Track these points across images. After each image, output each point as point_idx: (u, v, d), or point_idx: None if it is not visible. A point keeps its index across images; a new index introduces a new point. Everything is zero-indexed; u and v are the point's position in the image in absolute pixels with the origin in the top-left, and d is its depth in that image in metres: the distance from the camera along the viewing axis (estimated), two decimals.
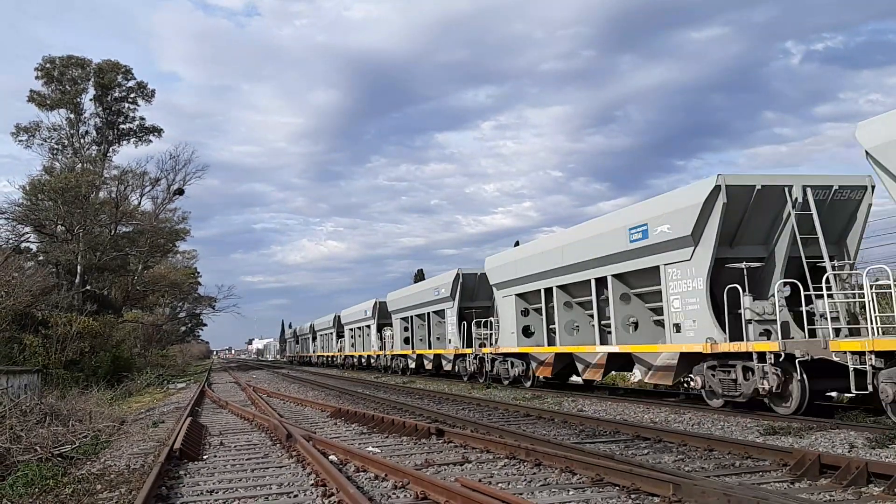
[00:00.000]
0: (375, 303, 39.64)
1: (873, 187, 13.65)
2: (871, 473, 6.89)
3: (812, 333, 12.52)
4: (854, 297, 12.84)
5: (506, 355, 22.53)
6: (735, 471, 7.75)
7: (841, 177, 13.69)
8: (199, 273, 73.86)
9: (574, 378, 21.16)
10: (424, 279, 55.16)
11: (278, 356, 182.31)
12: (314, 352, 64.81)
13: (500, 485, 7.29)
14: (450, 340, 28.09)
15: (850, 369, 11.03)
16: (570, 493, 6.90)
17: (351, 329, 47.24)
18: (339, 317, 51.65)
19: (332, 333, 54.57)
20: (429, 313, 30.86)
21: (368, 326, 41.99)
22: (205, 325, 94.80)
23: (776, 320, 12.95)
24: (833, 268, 12.83)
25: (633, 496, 6.61)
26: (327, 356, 58.07)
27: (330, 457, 9.07)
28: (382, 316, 38.23)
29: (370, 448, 10.21)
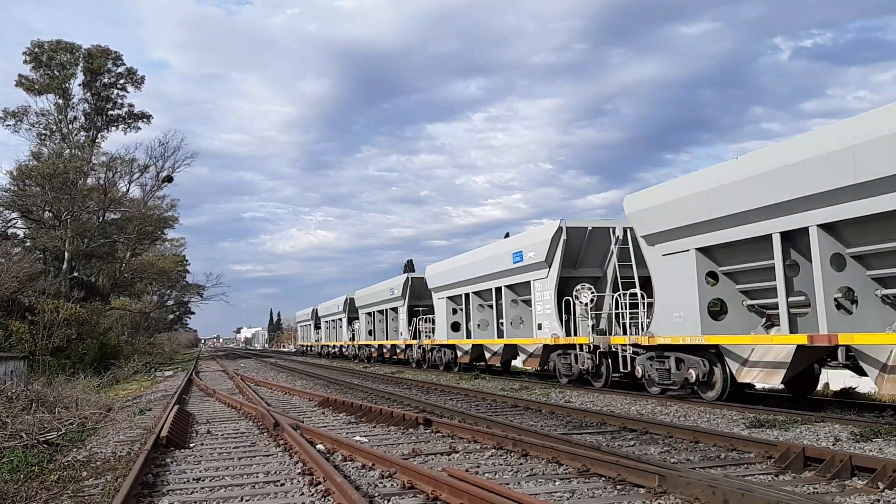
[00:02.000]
0: (559, 229, 19.07)
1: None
2: (854, 466, 6.95)
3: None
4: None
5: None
6: (720, 463, 7.80)
7: None
8: (187, 261, 73.70)
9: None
10: (414, 270, 54.21)
11: (267, 345, 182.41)
12: (354, 339, 44.31)
13: (486, 474, 7.31)
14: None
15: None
16: (557, 483, 6.92)
17: (451, 298, 28.03)
18: (414, 281, 33.65)
19: (396, 310, 36.57)
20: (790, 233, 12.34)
21: (526, 286, 21.39)
22: (192, 313, 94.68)
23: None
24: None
25: (619, 487, 6.64)
26: (380, 347, 39.02)
27: (317, 446, 9.07)
28: (570, 261, 19.54)
29: (358, 437, 10.22)
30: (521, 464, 7.92)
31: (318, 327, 57.73)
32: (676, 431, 9.76)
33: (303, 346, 67.69)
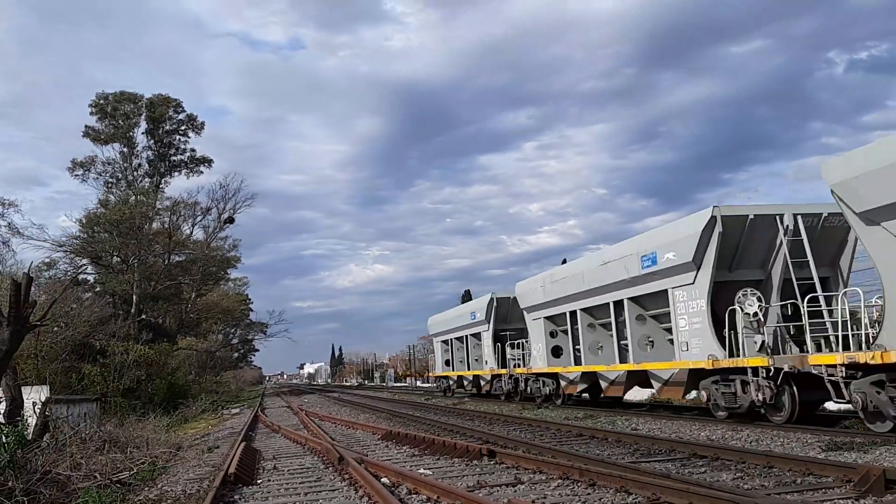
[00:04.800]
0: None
1: None
2: None
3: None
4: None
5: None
6: (796, 488, 7.53)
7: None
8: (250, 300, 74.90)
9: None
10: (472, 300, 53.73)
11: (329, 380, 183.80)
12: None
13: None
14: None
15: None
16: None
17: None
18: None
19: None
20: None
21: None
22: (257, 350, 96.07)
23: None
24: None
25: None
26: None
27: (382, 479, 9.07)
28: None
29: (422, 470, 10.17)
30: (589, 493, 7.77)
31: (501, 339, 29.43)
32: (749, 457, 9.46)
33: (448, 377, 37.85)
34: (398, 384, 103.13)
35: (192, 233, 49.51)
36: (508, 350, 27.21)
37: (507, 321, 29.20)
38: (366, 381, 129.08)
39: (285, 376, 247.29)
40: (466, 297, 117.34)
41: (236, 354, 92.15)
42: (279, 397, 55.15)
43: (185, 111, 48.83)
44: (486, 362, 30.14)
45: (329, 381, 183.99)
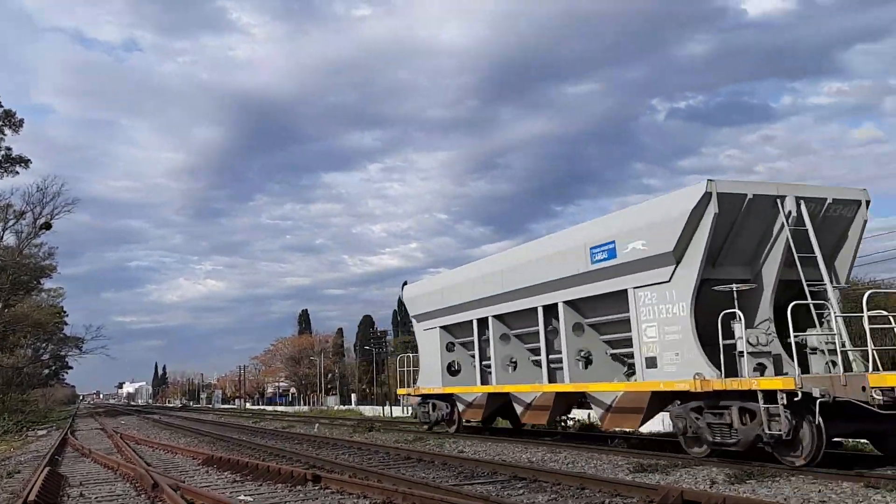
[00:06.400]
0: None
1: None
2: None
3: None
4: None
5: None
6: None
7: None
8: (65, 312, 69.86)
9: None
10: (310, 321, 52.28)
11: (151, 401, 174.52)
12: None
13: None
14: None
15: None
16: None
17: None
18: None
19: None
20: None
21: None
22: (70, 367, 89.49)
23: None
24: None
25: None
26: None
27: None
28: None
29: (242, 497, 9.86)
30: None
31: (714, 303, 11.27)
32: (564, 478, 9.91)
33: (455, 398, 19.33)
34: (226, 406, 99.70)
35: (2, 237, 45.78)
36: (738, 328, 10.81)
37: (725, 261, 11.86)
38: (191, 403, 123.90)
39: (101, 396, 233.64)
40: (303, 316, 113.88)
41: (46, 371, 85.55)
42: (93, 418, 51.73)
43: (1, 106, 45.14)
44: (654, 362, 12.12)
45: (150, 401, 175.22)
